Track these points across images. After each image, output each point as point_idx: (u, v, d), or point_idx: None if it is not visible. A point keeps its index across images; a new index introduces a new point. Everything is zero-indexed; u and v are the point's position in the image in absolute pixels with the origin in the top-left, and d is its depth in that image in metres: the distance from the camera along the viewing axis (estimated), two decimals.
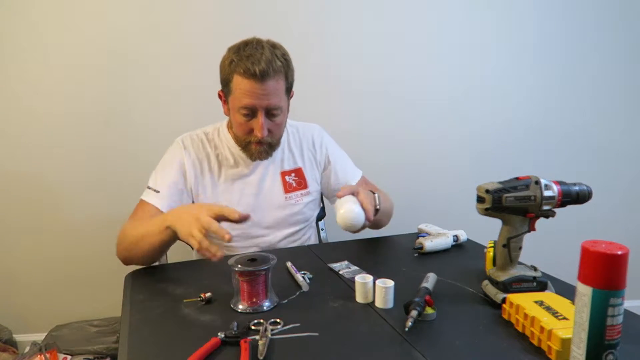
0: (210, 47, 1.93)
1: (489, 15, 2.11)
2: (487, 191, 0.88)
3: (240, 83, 1.19)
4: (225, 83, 1.24)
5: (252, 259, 0.94)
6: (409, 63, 2.09)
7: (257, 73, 1.15)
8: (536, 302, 0.82)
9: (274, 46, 1.22)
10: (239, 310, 0.91)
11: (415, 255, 1.21)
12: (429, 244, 1.21)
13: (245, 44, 1.21)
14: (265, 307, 0.92)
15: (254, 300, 0.92)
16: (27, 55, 1.85)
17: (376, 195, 1.17)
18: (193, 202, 1.33)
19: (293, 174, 1.40)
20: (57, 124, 1.91)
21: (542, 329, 0.75)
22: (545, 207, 0.88)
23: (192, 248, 1.03)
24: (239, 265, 0.91)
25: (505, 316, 0.86)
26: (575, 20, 2.16)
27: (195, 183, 1.32)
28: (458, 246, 1.27)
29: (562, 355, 0.71)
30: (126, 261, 1.20)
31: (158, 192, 1.27)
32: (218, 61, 1.90)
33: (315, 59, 1.97)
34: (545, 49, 2.16)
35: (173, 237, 1.10)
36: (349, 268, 1.10)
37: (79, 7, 1.85)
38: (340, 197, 1.10)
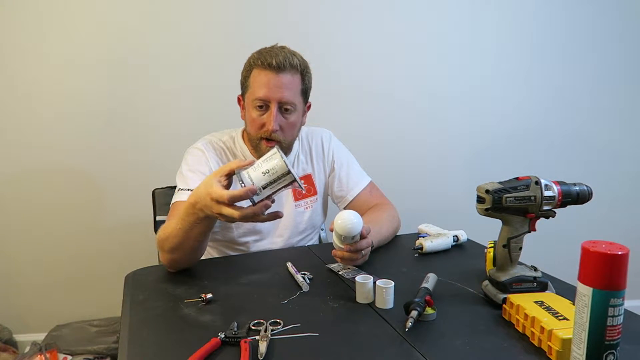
0: (212, 47, 1.95)
1: (489, 15, 2.11)
2: (487, 191, 0.88)
3: (257, 75, 1.23)
4: (244, 80, 1.28)
5: None
6: (409, 64, 2.09)
7: (274, 64, 1.20)
8: (536, 302, 0.82)
9: (294, 51, 1.27)
10: None
11: (416, 255, 1.21)
12: (429, 244, 1.21)
13: (267, 46, 1.27)
14: None
15: None
16: (27, 55, 1.85)
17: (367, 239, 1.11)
18: None
19: (302, 181, 1.38)
20: (57, 124, 1.91)
21: (542, 329, 0.75)
22: (546, 207, 0.88)
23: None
24: None
25: (506, 316, 0.86)
26: (575, 20, 2.16)
27: None
28: (458, 246, 1.28)
29: (562, 356, 0.71)
30: (173, 263, 1.10)
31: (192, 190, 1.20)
32: (219, 61, 1.92)
33: (315, 60, 1.96)
34: (545, 49, 2.16)
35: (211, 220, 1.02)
36: (349, 268, 1.10)
37: (79, 7, 1.84)
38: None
